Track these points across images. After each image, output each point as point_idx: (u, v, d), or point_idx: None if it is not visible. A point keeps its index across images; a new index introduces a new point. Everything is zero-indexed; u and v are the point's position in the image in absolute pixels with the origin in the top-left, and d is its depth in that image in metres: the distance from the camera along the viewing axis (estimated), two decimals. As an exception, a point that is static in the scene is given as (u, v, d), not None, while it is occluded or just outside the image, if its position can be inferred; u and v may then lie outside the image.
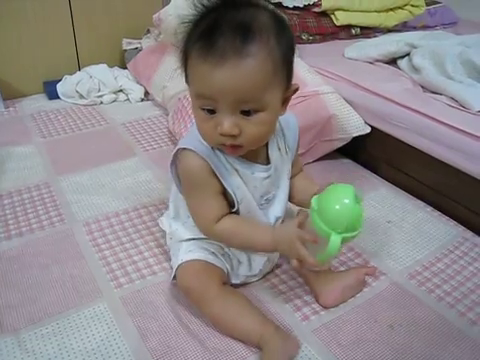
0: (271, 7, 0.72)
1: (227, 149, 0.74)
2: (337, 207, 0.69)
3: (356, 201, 0.69)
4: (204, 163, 0.77)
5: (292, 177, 0.92)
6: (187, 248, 0.88)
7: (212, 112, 0.70)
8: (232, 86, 0.65)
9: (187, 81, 0.75)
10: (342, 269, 0.98)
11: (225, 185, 0.79)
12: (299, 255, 0.73)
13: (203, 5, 0.70)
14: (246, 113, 0.69)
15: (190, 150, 0.77)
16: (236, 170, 0.79)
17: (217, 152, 0.78)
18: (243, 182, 0.81)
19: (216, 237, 0.84)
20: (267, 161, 0.83)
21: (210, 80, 0.66)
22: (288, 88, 0.74)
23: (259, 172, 0.81)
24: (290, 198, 0.92)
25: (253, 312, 0.81)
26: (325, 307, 0.88)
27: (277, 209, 0.87)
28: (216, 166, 0.77)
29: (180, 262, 0.86)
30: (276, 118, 0.76)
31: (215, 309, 0.81)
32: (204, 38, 0.67)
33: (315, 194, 0.74)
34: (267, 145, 0.82)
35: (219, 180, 0.78)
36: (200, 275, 0.83)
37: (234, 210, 0.83)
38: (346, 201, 0.69)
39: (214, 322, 0.83)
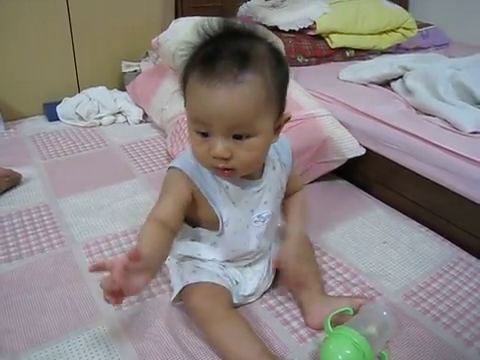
0: (270, 40, 0.75)
1: (222, 173, 0.77)
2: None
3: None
4: (186, 177, 0.80)
5: (288, 196, 0.96)
6: (190, 269, 0.90)
7: (206, 135, 0.73)
8: (226, 110, 0.69)
9: (186, 104, 0.78)
10: (339, 288, 0.99)
11: (211, 204, 0.81)
12: None
13: (206, 33, 0.73)
14: (238, 137, 0.72)
15: (177, 168, 0.81)
16: (226, 187, 0.82)
17: (203, 171, 0.81)
18: (230, 200, 0.83)
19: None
20: (259, 177, 0.86)
21: (206, 103, 0.70)
22: (280, 117, 0.78)
23: (249, 187, 0.84)
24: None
25: (255, 341, 0.80)
26: (309, 327, 0.89)
27: (271, 226, 0.91)
28: (202, 185, 0.80)
29: (186, 284, 0.87)
30: (268, 144, 0.78)
31: (218, 330, 0.81)
32: (204, 62, 0.70)
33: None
34: (263, 163, 0.86)
35: (202, 200, 0.81)
36: (208, 297, 0.84)
37: (218, 233, 0.85)
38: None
39: (214, 343, 0.83)
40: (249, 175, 0.83)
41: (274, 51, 0.74)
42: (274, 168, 0.88)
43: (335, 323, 0.82)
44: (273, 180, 0.88)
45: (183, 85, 0.76)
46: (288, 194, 0.96)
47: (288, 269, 0.89)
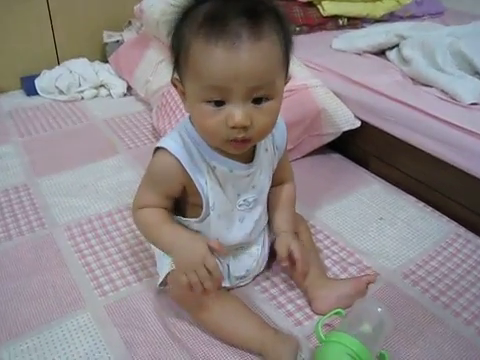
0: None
1: (233, 145, 0.70)
2: None
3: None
4: (174, 162, 0.75)
5: (275, 185, 0.90)
6: None
7: (220, 104, 0.66)
8: (249, 69, 0.63)
9: (180, 74, 0.71)
10: (336, 268, 0.96)
11: (196, 185, 0.76)
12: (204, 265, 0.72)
13: None
14: (257, 101, 0.66)
15: (164, 149, 0.76)
16: (213, 168, 0.77)
17: (193, 151, 0.76)
18: (218, 182, 0.78)
19: (135, 220, 0.84)
20: (250, 160, 0.80)
21: (226, 65, 0.62)
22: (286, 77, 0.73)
23: (239, 170, 0.78)
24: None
25: (251, 317, 0.79)
26: (317, 313, 0.85)
27: (257, 213, 0.85)
28: (189, 166, 0.75)
29: (170, 268, 0.81)
30: (280, 108, 0.72)
31: (213, 316, 0.78)
32: (211, 22, 0.63)
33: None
34: (255, 144, 0.79)
35: (188, 181, 0.76)
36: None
37: (201, 217, 0.80)
38: None
39: (212, 329, 0.80)
40: (240, 156, 0.76)
41: (275, 7, 0.68)
42: (266, 150, 0.82)
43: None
44: (265, 163, 0.82)
45: (179, 54, 0.68)
46: (275, 183, 0.89)
47: (299, 260, 0.82)
